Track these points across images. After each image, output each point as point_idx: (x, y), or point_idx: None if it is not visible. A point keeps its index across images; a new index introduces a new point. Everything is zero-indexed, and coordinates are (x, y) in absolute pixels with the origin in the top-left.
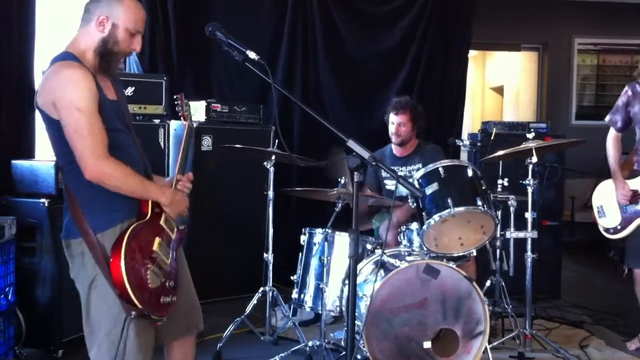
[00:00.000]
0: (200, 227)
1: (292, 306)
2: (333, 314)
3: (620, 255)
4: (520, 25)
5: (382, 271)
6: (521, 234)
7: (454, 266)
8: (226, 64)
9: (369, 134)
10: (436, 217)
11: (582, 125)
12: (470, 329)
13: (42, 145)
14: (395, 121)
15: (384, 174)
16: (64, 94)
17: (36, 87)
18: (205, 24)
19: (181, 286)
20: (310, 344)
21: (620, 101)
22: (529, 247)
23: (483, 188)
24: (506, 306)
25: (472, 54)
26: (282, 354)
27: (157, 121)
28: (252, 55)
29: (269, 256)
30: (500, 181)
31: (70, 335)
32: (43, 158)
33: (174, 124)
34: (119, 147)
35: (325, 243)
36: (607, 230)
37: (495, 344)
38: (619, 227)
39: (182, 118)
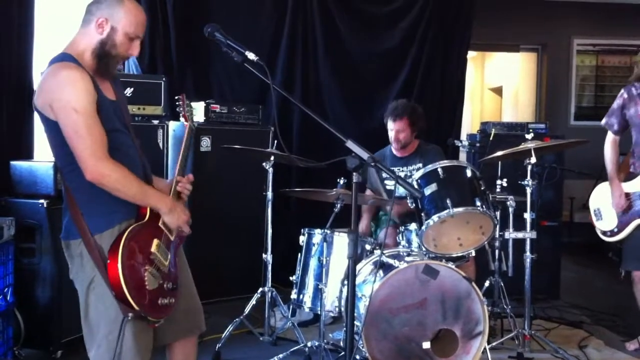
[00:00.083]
0: (199, 228)
1: (291, 307)
2: (332, 315)
3: (619, 256)
4: (520, 26)
5: (381, 272)
6: (520, 235)
7: (453, 266)
8: (225, 64)
9: (369, 134)
10: (435, 217)
11: (581, 125)
12: (469, 329)
13: (41, 145)
14: (393, 128)
15: (383, 174)
16: (62, 95)
17: (35, 87)
18: (205, 25)
19: (181, 287)
20: (309, 344)
21: (616, 104)
22: (527, 247)
23: (482, 188)
24: (505, 306)
25: (472, 54)
26: (281, 355)
27: (156, 122)
28: (251, 56)
29: (268, 257)
30: (499, 182)
31: (69, 335)
32: (42, 159)
33: (172, 125)
34: (118, 147)
35: (324, 243)
36: (604, 233)
37: (494, 344)
38: (615, 230)
39: (183, 119)
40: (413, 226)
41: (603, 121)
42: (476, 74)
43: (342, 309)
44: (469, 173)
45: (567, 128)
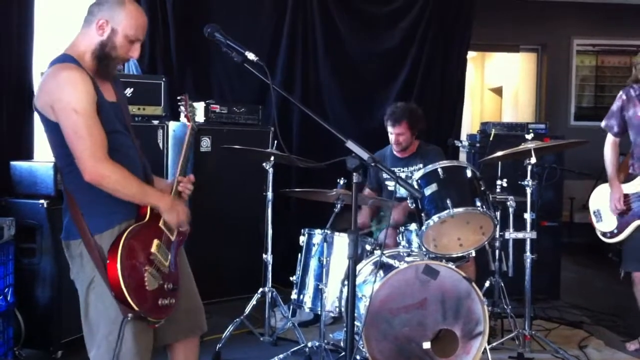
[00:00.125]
0: (199, 228)
1: (291, 307)
2: (332, 315)
3: (619, 256)
4: (519, 26)
5: (381, 272)
6: (520, 235)
7: (453, 267)
8: (225, 64)
9: (369, 134)
10: (435, 217)
11: (581, 126)
12: (469, 329)
13: (41, 146)
14: (393, 132)
15: (384, 174)
16: (61, 96)
17: (35, 88)
18: (205, 25)
19: (182, 288)
20: (309, 344)
21: (615, 106)
22: (528, 247)
23: (482, 189)
24: (505, 307)
25: (472, 55)
26: (281, 355)
27: (156, 122)
28: (251, 56)
29: (268, 257)
30: (499, 182)
31: (69, 336)
32: (42, 159)
33: (172, 125)
34: (118, 149)
35: (325, 244)
36: (604, 234)
37: (494, 344)
38: (615, 231)
39: (185, 119)
40: (413, 226)
41: (603, 123)
42: (476, 74)
43: (343, 309)
44: (469, 173)
45: (567, 128)
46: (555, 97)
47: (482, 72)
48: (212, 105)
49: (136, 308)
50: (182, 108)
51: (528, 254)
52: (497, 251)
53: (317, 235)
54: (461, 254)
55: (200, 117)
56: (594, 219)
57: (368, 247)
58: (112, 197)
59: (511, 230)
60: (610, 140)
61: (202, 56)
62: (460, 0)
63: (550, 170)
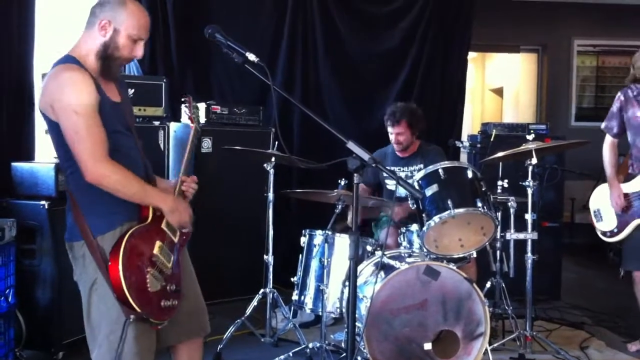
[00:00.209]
0: (200, 229)
1: (292, 308)
2: (333, 316)
3: (620, 257)
4: (520, 26)
5: (382, 273)
6: (521, 236)
7: (454, 267)
8: (226, 65)
9: (369, 134)
10: (436, 218)
11: (582, 126)
12: (470, 330)
13: (42, 147)
14: (393, 132)
15: (384, 173)
16: (62, 96)
17: (36, 88)
18: (205, 25)
19: (185, 289)
20: (310, 345)
21: (615, 107)
22: (529, 248)
23: (483, 189)
24: (506, 307)
25: (472, 55)
26: (282, 356)
27: (156, 123)
28: (251, 57)
29: (269, 258)
30: (500, 182)
31: (70, 337)
32: (43, 160)
33: (173, 126)
34: (119, 149)
35: (326, 245)
36: (604, 233)
37: (495, 345)
38: (615, 231)
39: (189, 120)
40: (414, 227)
41: (603, 125)
42: (477, 75)
43: (344, 310)
44: (470, 174)
45: (568, 129)
46: (556, 98)
47: (483, 72)
48: (212, 106)
49: (138, 309)
50: (186, 109)
51: (529, 254)
52: (498, 252)
53: (318, 236)
54: (462, 255)
55: (201, 118)
56: (594, 219)
57: (369, 248)
58: (113, 198)
59: (512, 230)
60: (608, 141)
61: (202, 57)
62: (460, 1)
63: (551, 171)
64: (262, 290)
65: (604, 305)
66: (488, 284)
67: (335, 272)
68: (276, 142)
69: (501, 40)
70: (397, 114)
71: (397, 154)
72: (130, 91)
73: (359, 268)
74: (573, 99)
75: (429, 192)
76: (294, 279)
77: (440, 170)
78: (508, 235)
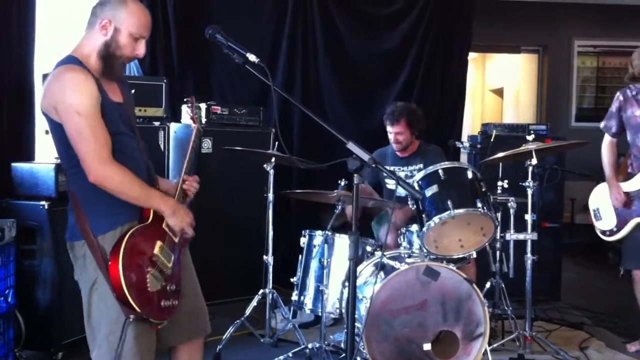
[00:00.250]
0: (200, 229)
1: (292, 308)
2: (333, 316)
3: (620, 257)
4: (520, 27)
5: (382, 273)
6: (521, 236)
7: (454, 268)
8: (226, 66)
9: (369, 134)
10: (436, 219)
11: (582, 127)
12: (470, 330)
13: (42, 147)
14: (392, 131)
15: (384, 173)
16: (64, 97)
17: (36, 88)
18: (206, 26)
19: (185, 289)
20: (310, 346)
21: (614, 107)
22: (529, 248)
23: (483, 190)
24: (506, 308)
25: (472, 56)
26: (281, 356)
27: (157, 123)
28: (252, 57)
29: (269, 258)
30: (500, 183)
31: (70, 337)
32: (43, 160)
33: (173, 127)
34: (122, 150)
35: (325, 245)
36: (603, 232)
37: (495, 345)
38: (615, 229)
39: (192, 121)
40: (414, 227)
41: (602, 124)
42: (477, 75)
43: (343, 310)
44: (469, 174)
45: (568, 129)
46: (556, 98)
47: (483, 73)
48: (213, 107)
49: (138, 309)
50: (188, 109)
51: (529, 255)
52: (497, 252)
53: (318, 236)
54: (462, 255)
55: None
56: (593, 218)
57: (369, 249)
58: (115, 198)
59: (512, 231)
60: (607, 140)
61: (203, 57)
62: (460, 1)
63: (551, 172)
64: (261, 291)
65: (604, 305)
66: (488, 285)
67: (335, 272)
68: (276, 143)
69: (501, 41)
70: (396, 112)
71: (396, 153)
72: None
73: (359, 268)
74: (573, 100)
75: (428, 192)
76: (293, 280)
77: (440, 171)
78: (508, 236)
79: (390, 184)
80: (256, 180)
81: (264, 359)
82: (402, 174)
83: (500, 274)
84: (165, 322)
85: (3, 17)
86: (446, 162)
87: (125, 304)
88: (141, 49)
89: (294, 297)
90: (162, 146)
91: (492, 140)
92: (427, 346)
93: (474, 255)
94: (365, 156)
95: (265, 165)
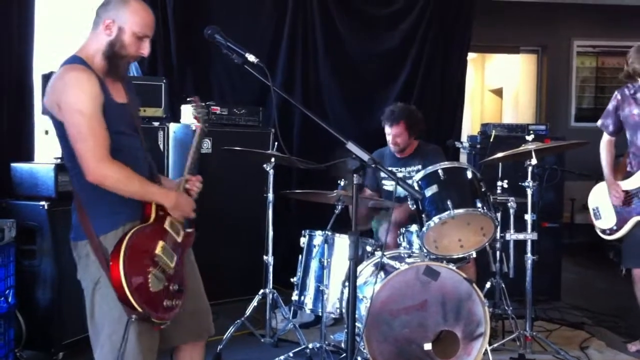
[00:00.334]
0: (200, 229)
1: (292, 308)
2: (333, 316)
3: (620, 257)
4: (520, 27)
5: (382, 273)
6: (521, 236)
7: (454, 268)
8: (226, 66)
9: (369, 134)
10: (436, 219)
11: (582, 127)
12: (470, 330)
13: (41, 147)
14: (390, 132)
15: (382, 174)
16: (67, 96)
17: (35, 88)
18: (205, 26)
19: (188, 290)
20: (310, 346)
21: (611, 105)
22: (528, 248)
23: (483, 190)
24: (506, 308)
25: (472, 56)
26: (282, 356)
27: (156, 124)
28: (251, 58)
29: (269, 258)
30: (499, 183)
31: (70, 337)
32: (42, 160)
33: (173, 127)
34: (121, 149)
35: (325, 245)
36: (603, 231)
37: (495, 345)
38: (614, 228)
39: (195, 120)
40: (414, 227)
41: (599, 122)
42: (476, 76)
43: (343, 310)
44: (469, 174)
45: (568, 129)
46: (555, 99)
47: (483, 73)
48: (212, 107)
49: (139, 309)
50: (193, 109)
51: (529, 255)
52: (497, 252)
53: (318, 236)
54: (462, 255)
55: None
56: (593, 217)
57: (369, 249)
58: (117, 198)
59: (512, 231)
60: (605, 139)
61: (202, 58)
62: (460, 2)
63: (551, 172)
64: (262, 291)
65: (604, 305)
66: (488, 285)
67: (335, 272)
68: (276, 143)
69: (501, 41)
70: (395, 114)
71: (395, 154)
72: None
73: (359, 268)
74: (573, 100)
75: (428, 192)
76: (293, 280)
77: (439, 171)
78: (508, 236)
79: (388, 185)
80: (256, 180)
81: (264, 359)
82: (400, 175)
83: (500, 273)
84: (168, 322)
85: (3, 17)
86: (446, 162)
87: (126, 303)
88: (145, 48)
89: (294, 297)
90: (161, 146)
91: (491, 140)
92: (427, 346)
93: (474, 255)
94: (365, 156)
95: (264, 166)
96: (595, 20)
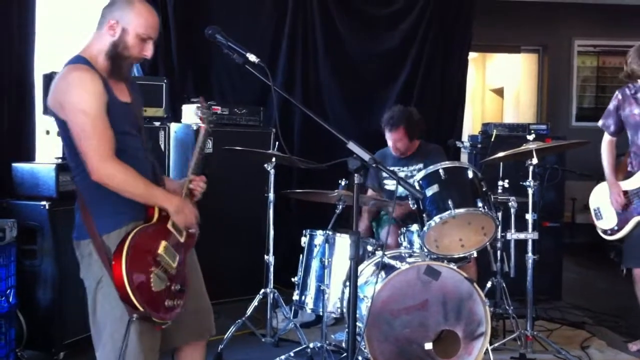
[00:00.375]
0: (201, 229)
1: (293, 308)
2: (334, 316)
3: (621, 257)
4: (520, 27)
5: (382, 273)
6: (522, 236)
7: (455, 267)
8: (226, 66)
9: (369, 134)
10: (437, 218)
11: (583, 126)
12: (471, 330)
13: (42, 147)
14: (390, 137)
15: (384, 174)
16: (71, 96)
17: (36, 88)
18: (205, 26)
19: (190, 290)
20: (311, 345)
21: (612, 105)
22: (529, 248)
23: (483, 189)
24: (507, 307)
25: (473, 55)
26: (283, 356)
27: (157, 124)
28: (252, 57)
29: (270, 258)
30: (500, 183)
31: (71, 337)
32: (43, 160)
33: (174, 127)
34: (125, 149)
35: (326, 245)
36: (604, 232)
37: (496, 345)
38: (616, 228)
39: (200, 121)
40: (415, 227)
41: (600, 123)
42: (477, 75)
43: (344, 310)
44: (470, 174)
45: (569, 129)
46: (556, 98)
47: (483, 73)
48: (213, 107)
49: (140, 308)
50: (198, 110)
51: (530, 254)
52: (498, 252)
53: (319, 236)
54: (463, 255)
55: None
56: (594, 218)
57: (370, 248)
58: (120, 197)
59: (513, 230)
60: (607, 139)
61: (203, 57)
62: (460, 1)
63: (552, 171)
64: (262, 291)
65: (605, 305)
66: (489, 284)
67: (336, 272)
68: (277, 143)
69: (502, 41)
70: (394, 119)
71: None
72: None
73: (360, 268)
74: (573, 99)
75: (429, 192)
76: (294, 279)
77: (440, 171)
78: (509, 235)
79: (390, 184)
80: (257, 180)
81: (265, 358)
82: (402, 175)
83: (501, 273)
84: (169, 322)
85: (3, 17)
86: (447, 162)
87: (128, 303)
88: (149, 50)
89: (295, 297)
90: (162, 146)
91: (492, 140)
92: (428, 346)
93: (475, 255)
94: (366, 156)
95: (265, 165)
96: (596, 19)
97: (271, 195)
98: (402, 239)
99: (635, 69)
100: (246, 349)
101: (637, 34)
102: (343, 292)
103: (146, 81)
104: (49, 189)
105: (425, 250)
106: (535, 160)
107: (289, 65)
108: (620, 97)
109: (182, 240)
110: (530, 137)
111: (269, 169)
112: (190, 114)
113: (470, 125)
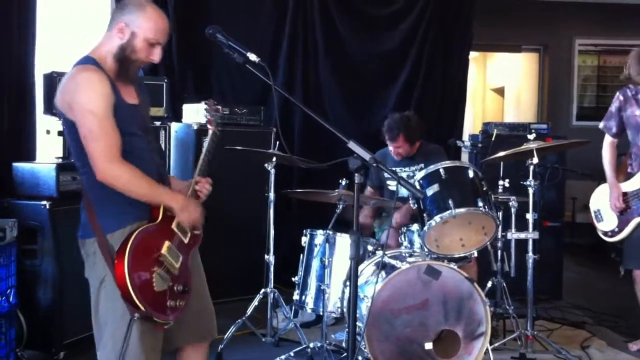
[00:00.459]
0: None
1: (293, 307)
2: (334, 316)
3: (621, 256)
4: (521, 26)
5: (383, 272)
6: (522, 235)
7: (455, 267)
8: (227, 65)
9: (369, 134)
10: (437, 218)
11: (583, 126)
12: (471, 330)
13: (42, 147)
14: (391, 146)
15: (386, 174)
16: (79, 97)
17: (36, 88)
18: (206, 26)
19: (193, 291)
20: (311, 345)
21: (613, 107)
22: (530, 248)
23: (484, 189)
24: (507, 307)
25: (473, 55)
26: (283, 356)
27: (158, 123)
28: (252, 57)
29: (270, 257)
30: (501, 182)
31: (71, 337)
32: (44, 160)
33: (174, 126)
34: (132, 151)
35: (327, 244)
36: (605, 233)
37: (496, 344)
38: (616, 230)
39: (208, 124)
40: (415, 227)
41: (601, 124)
42: (478, 75)
43: (345, 309)
44: (471, 174)
45: (569, 128)
46: (557, 97)
47: (484, 72)
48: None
49: (142, 308)
50: (206, 113)
51: (530, 254)
52: (499, 251)
53: (319, 235)
54: (463, 255)
55: (202, 118)
56: (594, 219)
57: (370, 248)
58: (124, 197)
59: (513, 230)
60: (608, 140)
61: (203, 57)
62: (460, 1)
63: (553, 171)
64: (263, 290)
65: (605, 305)
66: (489, 284)
67: (336, 271)
68: (277, 142)
69: (502, 40)
70: (393, 130)
71: None
72: None
73: (360, 268)
74: (574, 99)
75: (430, 191)
76: (295, 279)
77: (441, 170)
78: (509, 235)
79: (392, 184)
80: (257, 179)
81: (265, 358)
82: (403, 174)
83: (501, 273)
84: (171, 322)
85: (3, 17)
86: (447, 161)
87: (130, 302)
88: (157, 54)
89: (296, 297)
90: (163, 146)
91: (493, 139)
92: (428, 345)
93: (475, 255)
94: (366, 155)
95: (266, 165)
96: (596, 19)
97: (271, 195)
98: (403, 238)
99: (632, 75)
100: (246, 349)
101: (638, 33)
102: (343, 292)
103: (146, 81)
104: (50, 189)
105: (426, 249)
106: (535, 160)
107: (289, 65)
108: (621, 98)
109: (186, 241)
110: (531, 137)
111: (269, 169)
112: (191, 113)
113: (471, 125)
